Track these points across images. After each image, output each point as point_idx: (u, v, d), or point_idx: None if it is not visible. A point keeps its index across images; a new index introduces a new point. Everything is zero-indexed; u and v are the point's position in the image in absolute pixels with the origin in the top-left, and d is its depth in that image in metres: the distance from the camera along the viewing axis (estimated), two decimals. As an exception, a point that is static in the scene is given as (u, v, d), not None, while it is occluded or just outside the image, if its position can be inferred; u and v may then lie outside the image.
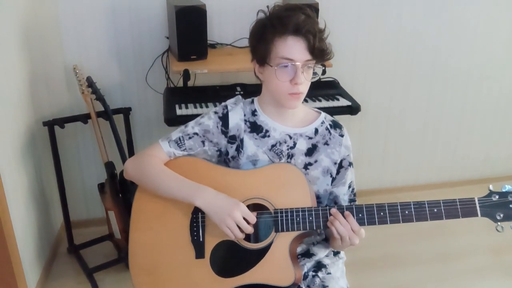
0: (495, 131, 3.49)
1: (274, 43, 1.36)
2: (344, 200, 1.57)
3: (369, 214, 1.37)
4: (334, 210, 1.38)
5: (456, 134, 3.43)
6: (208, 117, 1.52)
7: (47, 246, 2.66)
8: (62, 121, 2.51)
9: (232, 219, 1.36)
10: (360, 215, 1.38)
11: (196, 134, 1.51)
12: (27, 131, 2.44)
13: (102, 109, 2.53)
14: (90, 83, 2.47)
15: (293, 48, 1.35)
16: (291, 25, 1.34)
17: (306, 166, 1.52)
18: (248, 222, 1.38)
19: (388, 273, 2.70)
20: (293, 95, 1.40)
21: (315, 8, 2.47)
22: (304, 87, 1.41)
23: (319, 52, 1.37)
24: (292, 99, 1.42)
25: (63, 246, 2.81)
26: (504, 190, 1.33)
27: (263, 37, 1.38)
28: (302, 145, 1.52)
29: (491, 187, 1.35)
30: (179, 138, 1.51)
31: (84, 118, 2.55)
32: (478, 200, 1.33)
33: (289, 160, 1.51)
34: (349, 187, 1.58)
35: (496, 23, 3.12)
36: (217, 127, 1.51)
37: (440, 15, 3.01)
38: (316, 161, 1.52)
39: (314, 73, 1.43)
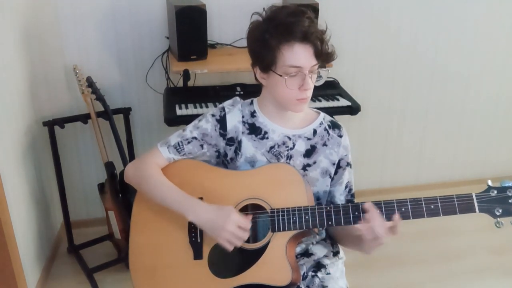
0: (495, 131, 3.49)
1: (281, 51, 1.34)
2: (340, 200, 1.57)
3: (365, 212, 1.37)
4: (368, 205, 1.34)
5: (456, 134, 3.42)
6: (205, 120, 1.52)
7: (47, 246, 2.66)
8: (62, 121, 2.51)
9: (227, 231, 1.36)
10: (356, 213, 1.37)
11: (195, 138, 1.51)
12: (27, 131, 2.44)
13: (102, 109, 2.53)
14: (90, 83, 2.47)
15: (301, 56, 1.34)
16: (298, 32, 1.31)
17: (305, 168, 1.52)
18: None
19: (388, 273, 2.70)
20: (301, 100, 1.40)
21: (315, 8, 2.47)
22: (311, 91, 1.41)
23: (326, 56, 1.37)
24: (299, 104, 1.42)
25: (63, 246, 2.82)
26: (503, 185, 1.32)
27: (267, 44, 1.35)
28: (301, 147, 1.52)
29: (489, 182, 1.34)
30: (178, 144, 1.51)
31: (84, 118, 2.55)
32: (476, 196, 1.32)
33: (288, 161, 1.51)
34: (346, 187, 1.58)
35: (496, 24, 3.12)
36: (215, 130, 1.51)
37: (440, 15, 3.01)
38: (314, 162, 1.52)
39: (319, 76, 1.42)
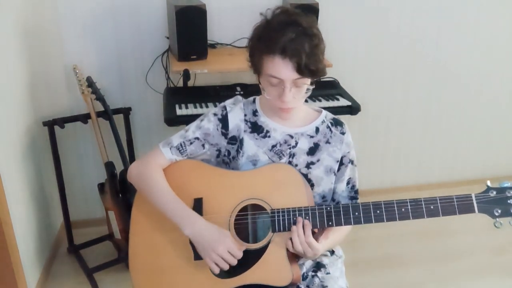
0: (495, 131, 3.49)
1: (263, 61, 1.36)
2: (342, 197, 1.57)
3: (366, 212, 1.37)
4: (299, 219, 1.39)
5: (456, 134, 3.42)
6: (207, 120, 1.52)
7: (47, 246, 2.66)
8: (62, 121, 2.51)
9: (216, 254, 1.37)
10: (356, 213, 1.38)
11: (197, 138, 1.51)
12: (27, 131, 2.44)
13: (102, 109, 2.53)
14: (90, 83, 2.47)
15: (280, 68, 1.33)
16: (278, 45, 1.31)
17: (309, 166, 1.52)
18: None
19: (388, 273, 2.70)
20: (282, 109, 1.42)
21: (315, 8, 2.47)
22: (294, 103, 1.41)
23: (308, 72, 1.34)
24: (282, 112, 1.44)
25: (63, 246, 2.81)
26: (502, 186, 1.34)
27: (254, 51, 1.39)
28: (304, 144, 1.52)
29: (488, 183, 1.36)
30: (181, 144, 1.51)
31: (84, 118, 2.55)
32: (475, 196, 1.34)
33: (290, 159, 1.51)
34: (348, 184, 1.58)
35: (496, 24, 3.12)
36: (217, 129, 1.51)
37: (441, 15, 3.01)
38: (318, 160, 1.52)
39: (307, 89, 1.42)
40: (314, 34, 1.35)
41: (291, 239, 1.39)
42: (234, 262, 1.39)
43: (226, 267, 1.39)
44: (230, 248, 1.38)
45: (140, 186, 1.52)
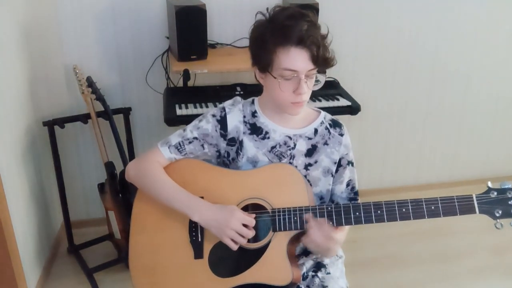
0: (495, 131, 3.49)
1: (277, 54, 1.34)
2: (342, 198, 1.58)
3: (366, 212, 1.37)
4: (307, 215, 1.39)
5: (456, 134, 3.43)
6: (206, 121, 1.52)
7: (47, 246, 2.66)
8: (62, 121, 2.51)
9: (231, 230, 1.37)
10: (357, 213, 1.38)
11: (196, 138, 1.51)
12: (27, 131, 2.44)
13: (102, 109, 2.53)
14: (90, 83, 2.47)
15: (296, 60, 1.33)
16: (294, 36, 1.31)
17: (307, 167, 1.52)
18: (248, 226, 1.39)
19: (388, 273, 2.70)
20: (295, 104, 1.40)
21: (315, 8, 2.48)
22: (306, 96, 1.40)
23: (323, 61, 1.36)
24: (294, 107, 1.42)
25: (63, 246, 2.81)
26: (503, 187, 1.33)
27: (264, 45, 1.36)
28: (302, 146, 1.52)
29: (489, 183, 1.35)
30: (179, 144, 1.51)
31: (84, 118, 2.55)
32: (476, 197, 1.33)
33: (291, 161, 1.51)
34: (347, 185, 1.58)
35: (496, 23, 3.12)
36: (216, 130, 1.51)
37: (440, 15, 3.01)
38: (316, 162, 1.52)
39: (317, 81, 1.42)
40: (319, 25, 1.37)
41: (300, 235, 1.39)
42: (251, 234, 1.39)
43: (243, 241, 1.39)
44: (241, 219, 1.38)
45: (139, 182, 1.52)
